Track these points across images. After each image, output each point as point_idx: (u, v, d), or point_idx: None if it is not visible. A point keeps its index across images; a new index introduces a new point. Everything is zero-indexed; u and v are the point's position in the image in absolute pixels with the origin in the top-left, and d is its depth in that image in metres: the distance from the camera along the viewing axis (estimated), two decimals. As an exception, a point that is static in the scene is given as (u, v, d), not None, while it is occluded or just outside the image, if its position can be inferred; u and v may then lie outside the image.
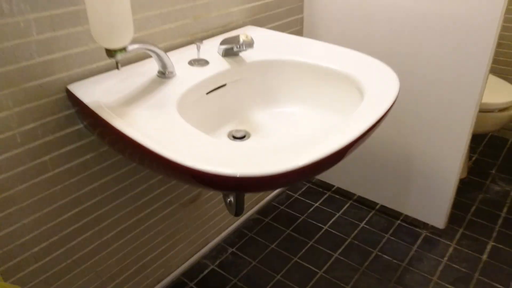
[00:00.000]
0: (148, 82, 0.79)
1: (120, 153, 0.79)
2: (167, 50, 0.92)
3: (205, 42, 0.98)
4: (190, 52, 0.92)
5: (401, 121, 1.28)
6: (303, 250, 1.30)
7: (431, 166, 1.28)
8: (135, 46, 0.71)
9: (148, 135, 0.62)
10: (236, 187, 0.58)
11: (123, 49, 0.67)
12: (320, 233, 1.36)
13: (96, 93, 0.73)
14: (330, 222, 1.41)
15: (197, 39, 0.98)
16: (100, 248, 0.94)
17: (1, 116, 0.69)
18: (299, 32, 1.32)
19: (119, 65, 0.68)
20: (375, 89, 0.78)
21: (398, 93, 0.79)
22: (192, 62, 0.87)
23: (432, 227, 1.37)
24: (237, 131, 0.88)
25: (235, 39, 0.83)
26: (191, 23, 0.95)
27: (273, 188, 0.62)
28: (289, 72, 0.93)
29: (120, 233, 0.97)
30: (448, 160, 1.24)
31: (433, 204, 1.33)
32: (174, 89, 0.76)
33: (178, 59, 0.88)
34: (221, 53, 0.91)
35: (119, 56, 0.66)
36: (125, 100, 0.72)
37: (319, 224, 1.40)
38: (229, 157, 0.58)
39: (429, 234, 1.35)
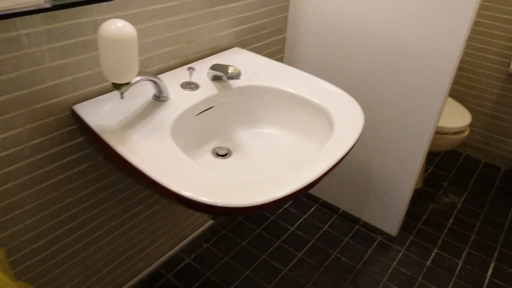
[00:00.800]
0: (145, 105, 0.89)
1: (118, 170, 0.89)
2: (161, 71, 1.02)
3: (195, 63, 1.08)
4: (182, 74, 1.02)
5: (365, 136, 1.43)
6: (271, 249, 1.44)
7: (389, 179, 1.44)
8: (138, 78, 0.80)
9: (145, 161, 0.73)
10: (217, 212, 0.70)
11: (128, 83, 0.76)
12: (287, 233, 1.51)
13: (99, 115, 0.83)
14: (297, 223, 1.55)
15: (190, 63, 1.07)
16: (89, 244, 1.04)
17: (14, 133, 0.77)
18: (281, 51, 1.43)
19: (123, 95, 0.78)
20: (343, 123, 0.91)
21: (363, 128, 0.92)
22: (184, 85, 0.97)
23: (386, 233, 1.54)
24: (220, 148, 1.00)
25: (225, 69, 0.94)
26: (185, 46, 1.05)
27: (250, 214, 0.74)
28: (269, 97, 1.05)
29: (108, 230, 1.08)
30: (404, 174, 1.40)
31: (388, 213, 1.49)
32: (168, 113, 0.87)
33: (171, 81, 0.98)
34: (210, 77, 1.01)
35: (124, 89, 0.76)
36: (125, 123, 0.82)
37: (287, 225, 1.54)
38: (214, 186, 0.70)
39: (383, 240, 1.52)
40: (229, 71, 0.93)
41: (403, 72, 1.26)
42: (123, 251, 1.16)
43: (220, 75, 0.97)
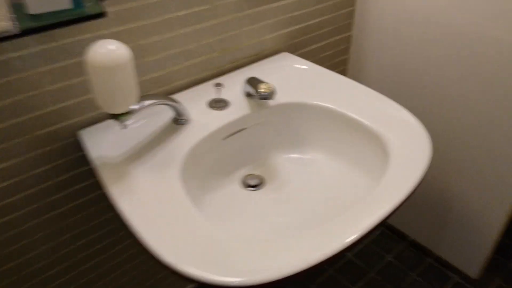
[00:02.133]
0: (161, 130, 0.77)
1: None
2: (188, 86, 0.89)
3: (231, 74, 0.93)
4: (212, 88, 0.88)
5: (445, 158, 1.17)
6: (322, 278, 1.27)
7: (474, 207, 1.17)
8: (146, 103, 0.69)
9: (136, 211, 0.61)
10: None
11: (128, 113, 0.65)
12: (342, 261, 1.32)
13: (104, 143, 0.73)
14: (356, 248, 1.36)
15: (225, 74, 0.93)
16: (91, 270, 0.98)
17: (15, 162, 0.71)
18: (343, 52, 1.22)
19: (125, 126, 0.67)
20: (403, 157, 0.71)
21: (428, 164, 0.71)
22: (212, 104, 0.84)
23: (465, 274, 1.27)
24: (251, 177, 0.85)
25: (256, 86, 0.78)
26: (218, 56, 0.90)
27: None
28: (314, 117, 0.87)
29: (109, 258, 1.00)
30: (495, 204, 1.12)
31: (470, 248, 1.23)
32: (185, 140, 0.74)
33: (198, 98, 0.85)
34: (244, 93, 0.86)
35: (124, 119, 0.65)
36: (131, 153, 0.71)
37: (343, 250, 1.36)
38: (225, 253, 0.56)
39: (460, 281, 1.26)
40: (260, 89, 0.77)
41: (498, 89, 0.98)
42: (120, 274, 1.09)
43: (252, 93, 0.81)
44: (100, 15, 0.64)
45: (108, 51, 0.58)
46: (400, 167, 0.69)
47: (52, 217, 0.80)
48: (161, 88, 0.85)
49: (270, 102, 0.85)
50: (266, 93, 0.76)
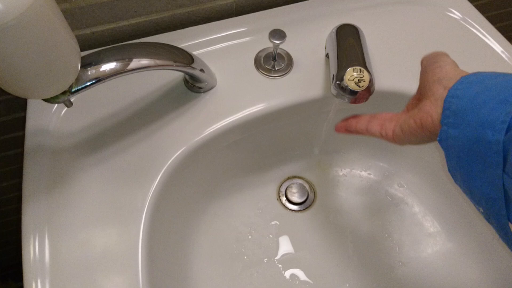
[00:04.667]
0: (157, 98, 0.44)
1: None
2: (241, 8, 0.52)
3: (309, 3, 0.53)
4: (277, 18, 0.50)
5: None
6: None
7: None
8: (98, 72, 0.35)
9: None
10: None
11: (66, 92, 0.33)
12: None
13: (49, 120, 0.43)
14: None
15: (283, 10, 0.53)
16: None
17: None
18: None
19: (69, 102, 0.35)
20: None
21: None
22: (263, 61, 0.48)
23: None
24: (296, 187, 0.54)
25: (341, 77, 0.39)
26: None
27: None
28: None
29: None
30: None
31: None
32: (187, 130, 0.42)
33: (237, 47, 0.49)
34: (325, 52, 0.48)
35: (62, 99, 0.34)
36: (89, 144, 0.41)
37: None
38: None
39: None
40: (346, 85, 0.38)
41: None
42: None
43: (332, 74, 0.43)
44: None
45: None
46: None
47: None
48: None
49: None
50: (356, 96, 0.38)
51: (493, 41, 0.49)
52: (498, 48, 0.48)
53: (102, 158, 0.40)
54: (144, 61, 0.36)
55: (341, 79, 0.38)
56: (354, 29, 0.44)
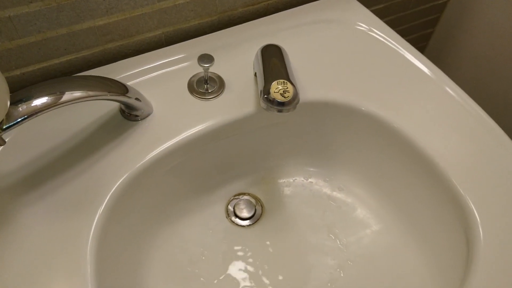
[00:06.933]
0: (92, 129, 0.45)
1: None
2: (169, 39, 0.54)
3: (236, 29, 0.57)
4: (206, 45, 0.53)
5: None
6: None
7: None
8: (24, 111, 0.35)
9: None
10: None
11: (-2, 129, 0.33)
12: None
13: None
14: None
15: (233, 24, 0.56)
16: None
17: None
18: (431, 24, 0.79)
19: (1, 141, 0.36)
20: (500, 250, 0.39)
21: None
22: (196, 85, 0.50)
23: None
24: (243, 203, 0.56)
25: (266, 89, 0.43)
26: (222, -5, 0.53)
27: None
28: (352, 127, 0.53)
29: None
30: None
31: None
32: (135, 153, 0.43)
33: (171, 74, 0.51)
34: (253, 71, 0.52)
35: (-6, 137, 0.34)
36: (22, 178, 0.41)
37: None
38: None
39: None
40: (273, 97, 0.41)
41: None
42: None
43: (259, 88, 0.46)
44: None
45: None
46: (494, 270, 0.38)
47: None
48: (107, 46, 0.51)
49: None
50: (283, 101, 0.42)
51: (395, 43, 0.55)
52: (400, 49, 0.54)
53: (43, 194, 0.40)
54: (77, 93, 0.37)
55: (268, 93, 0.41)
56: (277, 48, 0.48)
